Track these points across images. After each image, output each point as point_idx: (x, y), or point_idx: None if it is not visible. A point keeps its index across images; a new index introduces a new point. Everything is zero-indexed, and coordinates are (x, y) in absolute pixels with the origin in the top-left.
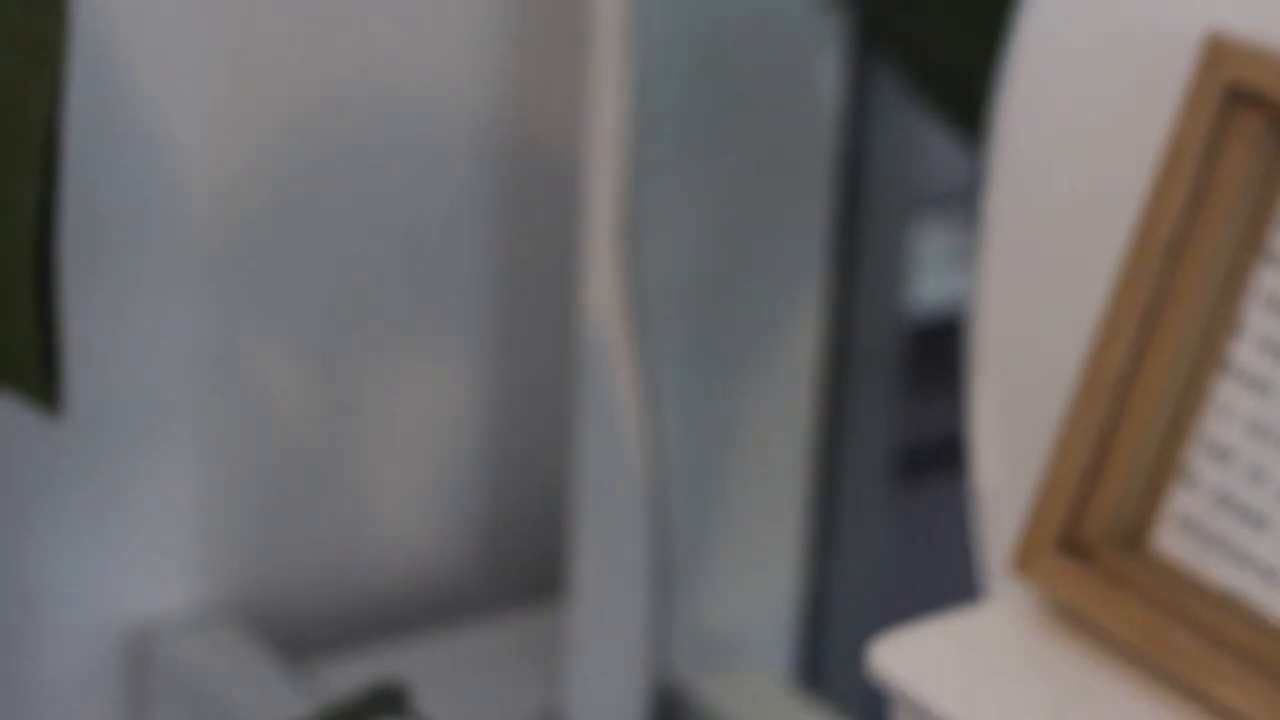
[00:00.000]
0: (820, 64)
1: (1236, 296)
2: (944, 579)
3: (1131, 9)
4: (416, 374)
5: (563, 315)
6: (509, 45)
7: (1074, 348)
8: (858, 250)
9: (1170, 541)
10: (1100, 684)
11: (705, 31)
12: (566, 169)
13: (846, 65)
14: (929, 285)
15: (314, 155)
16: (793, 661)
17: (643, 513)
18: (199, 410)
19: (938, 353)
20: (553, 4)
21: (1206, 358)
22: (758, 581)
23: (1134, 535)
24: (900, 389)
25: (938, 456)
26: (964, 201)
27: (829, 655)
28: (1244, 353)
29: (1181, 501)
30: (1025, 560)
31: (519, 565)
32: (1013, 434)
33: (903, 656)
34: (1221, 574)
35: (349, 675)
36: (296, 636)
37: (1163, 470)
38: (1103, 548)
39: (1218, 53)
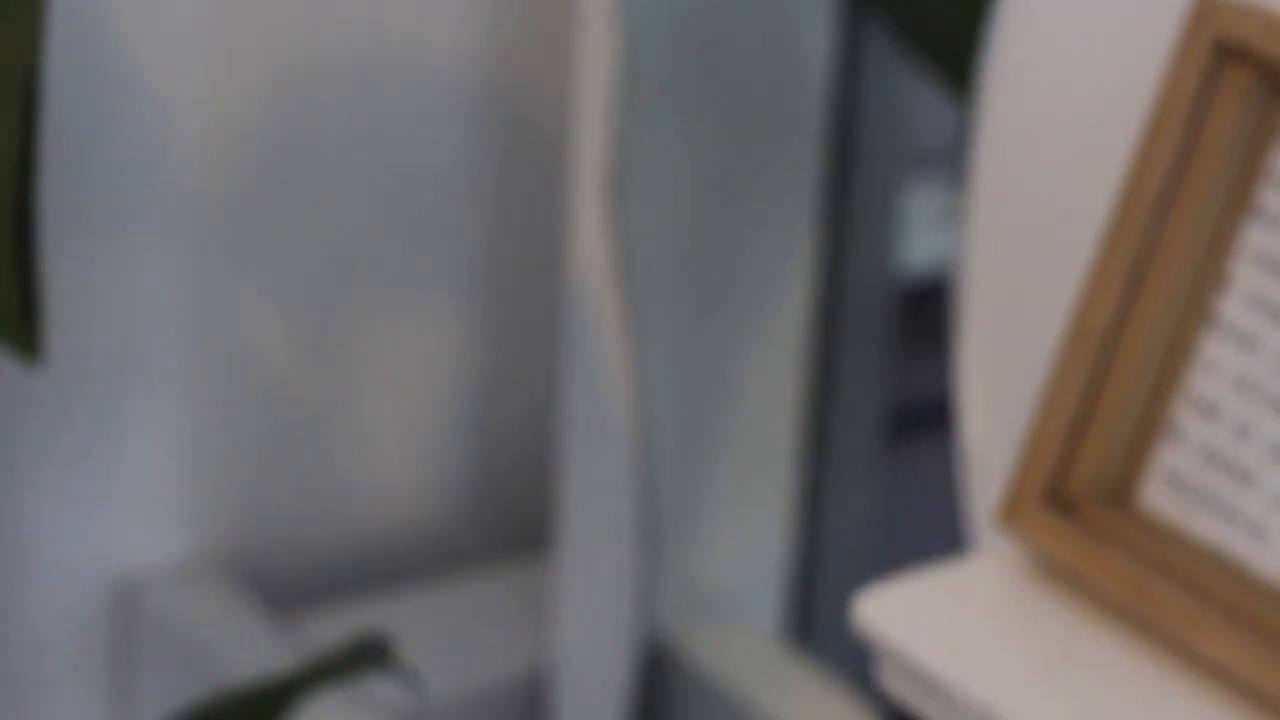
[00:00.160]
0: (811, 19)
1: (1224, 253)
2: (934, 539)
3: None
4: (404, 328)
5: (550, 270)
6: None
7: (1062, 304)
8: (848, 209)
9: (1156, 496)
10: (1085, 638)
11: None
12: (555, 124)
13: (837, 21)
14: (920, 246)
15: (302, 108)
16: (782, 618)
17: (630, 466)
18: (187, 363)
19: (929, 313)
20: None
21: (1193, 314)
22: (747, 537)
23: (1120, 490)
24: (891, 349)
25: (928, 417)
26: (956, 162)
27: (818, 612)
28: (1231, 309)
29: (1168, 457)
30: (1011, 514)
31: (507, 518)
32: (1000, 389)
33: (886, 609)
34: (1207, 529)
35: (336, 627)
36: (283, 589)
37: (1149, 426)
38: (1088, 502)
39: (1206, 8)
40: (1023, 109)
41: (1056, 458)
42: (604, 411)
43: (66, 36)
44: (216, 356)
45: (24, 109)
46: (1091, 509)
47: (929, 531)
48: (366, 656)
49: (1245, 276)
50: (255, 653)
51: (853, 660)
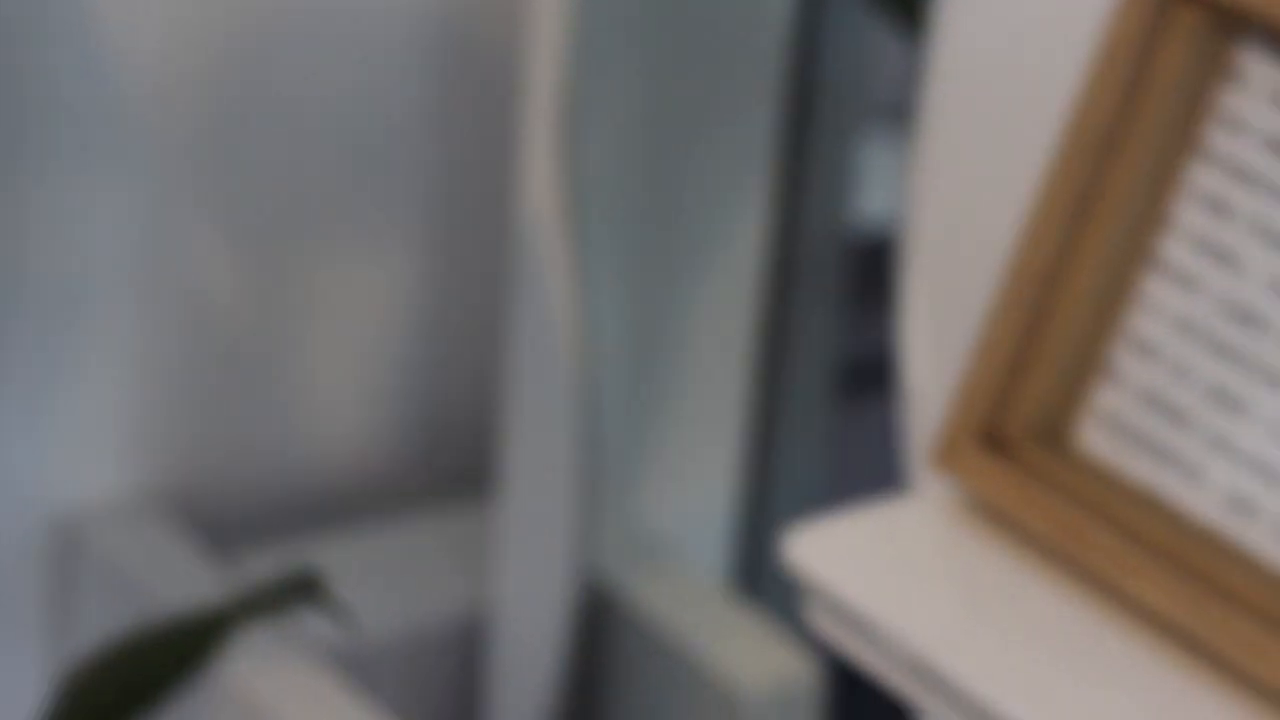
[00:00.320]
0: None
1: (1168, 193)
2: (882, 492)
3: None
4: (352, 268)
5: (500, 211)
6: None
7: (1007, 246)
8: (804, 155)
9: (1093, 438)
10: (1015, 580)
11: None
12: (506, 62)
13: None
14: (878, 201)
15: (255, 47)
16: (728, 566)
17: (573, 410)
18: (132, 298)
19: (884, 268)
20: None
21: (1135, 254)
22: (694, 483)
23: (1056, 431)
24: (844, 300)
25: (881, 372)
26: (915, 117)
27: (765, 562)
28: (1173, 249)
29: (1105, 398)
30: (945, 455)
31: (450, 460)
32: (943, 330)
33: (815, 547)
34: (1142, 471)
35: (277, 567)
36: (225, 528)
37: (1087, 366)
38: (1024, 443)
39: None
40: (973, 49)
41: (993, 398)
42: (548, 354)
43: None
44: (164, 292)
45: None
46: (1027, 450)
47: (878, 484)
48: (297, 591)
49: (1188, 217)
50: (195, 590)
51: (799, 612)
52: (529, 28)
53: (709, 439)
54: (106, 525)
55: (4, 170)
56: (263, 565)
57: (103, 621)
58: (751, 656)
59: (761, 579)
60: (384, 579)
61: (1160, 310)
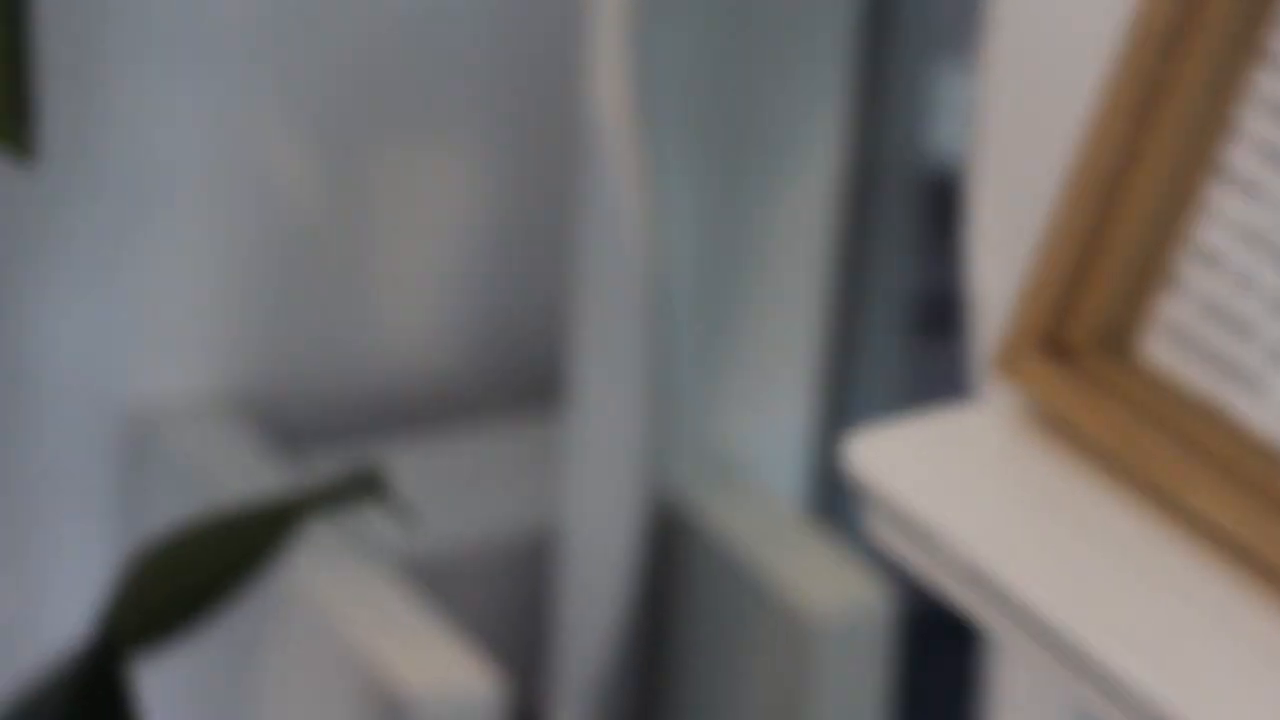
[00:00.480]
0: None
1: (1231, 99)
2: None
3: None
4: (422, 174)
5: (571, 120)
6: None
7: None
8: (882, 82)
9: (1155, 347)
10: (1074, 488)
11: None
12: None
13: None
14: (952, 135)
15: None
16: (803, 491)
17: (643, 322)
18: (204, 196)
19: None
20: None
21: (1198, 161)
22: (770, 406)
23: (1119, 340)
24: (922, 231)
25: (958, 306)
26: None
27: (839, 489)
28: (1237, 156)
29: (1168, 307)
30: (1008, 361)
31: (520, 369)
32: (1009, 237)
33: (875, 453)
34: (1205, 382)
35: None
36: (295, 430)
37: (1150, 275)
38: (1087, 351)
39: None
40: None
41: (1055, 305)
42: (618, 265)
43: None
44: (239, 192)
45: None
46: (1089, 358)
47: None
48: (360, 486)
49: (1252, 123)
50: (263, 488)
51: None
52: None
53: (785, 361)
54: (179, 422)
55: (84, 65)
56: (331, 467)
57: (171, 515)
58: (824, 582)
59: (835, 505)
60: (453, 488)
61: (1223, 218)
